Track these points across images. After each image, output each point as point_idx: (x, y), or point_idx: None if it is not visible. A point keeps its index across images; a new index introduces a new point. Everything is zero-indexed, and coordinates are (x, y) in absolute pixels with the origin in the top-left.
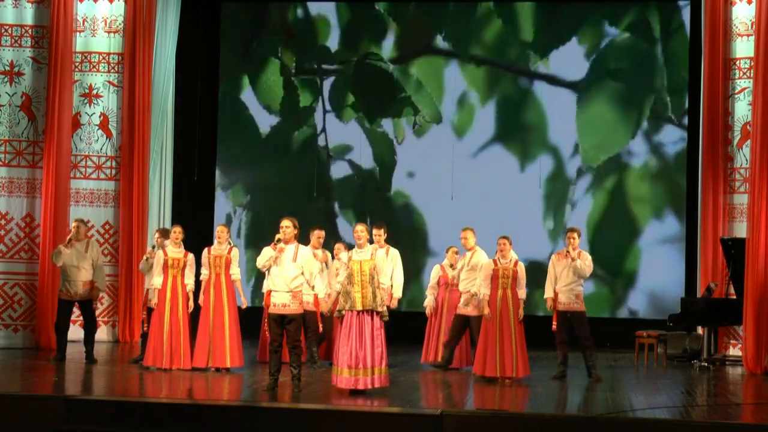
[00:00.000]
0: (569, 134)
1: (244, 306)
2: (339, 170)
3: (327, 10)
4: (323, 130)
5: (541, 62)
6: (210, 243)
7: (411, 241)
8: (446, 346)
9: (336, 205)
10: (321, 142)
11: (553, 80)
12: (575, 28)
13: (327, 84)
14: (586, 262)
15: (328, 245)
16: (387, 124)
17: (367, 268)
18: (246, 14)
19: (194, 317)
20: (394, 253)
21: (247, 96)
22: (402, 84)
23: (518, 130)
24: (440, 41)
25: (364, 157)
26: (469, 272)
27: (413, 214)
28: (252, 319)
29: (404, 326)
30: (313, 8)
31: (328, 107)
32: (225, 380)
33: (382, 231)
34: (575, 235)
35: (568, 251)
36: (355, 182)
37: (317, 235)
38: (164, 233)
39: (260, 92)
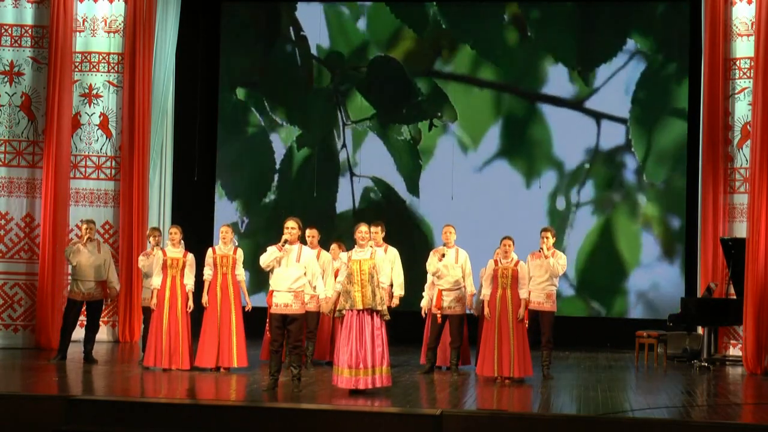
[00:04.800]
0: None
1: (248, 308)
2: (356, 178)
3: (330, 11)
4: (339, 137)
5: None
6: (210, 243)
7: (414, 242)
8: (430, 348)
9: (343, 209)
10: (336, 150)
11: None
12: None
13: (334, 88)
14: (560, 261)
15: (326, 245)
16: (405, 131)
17: (367, 268)
18: (246, 14)
19: (196, 317)
20: (393, 251)
21: (248, 98)
22: (418, 88)
23: (524, 145)
24: (455, 50)
25: (382, 165)
26: (458, 269)
27: (417, 215)
28: (257, 319)
29: (404, 326)
30: (316, 9)
31: (342, 115)
32: (225, 380)
33: (379, 229)
34: (549, 234)
35: (541, 249)
36: (373, 190)
37: (308, 234)
38: (159, 231)
39: (263, 94)
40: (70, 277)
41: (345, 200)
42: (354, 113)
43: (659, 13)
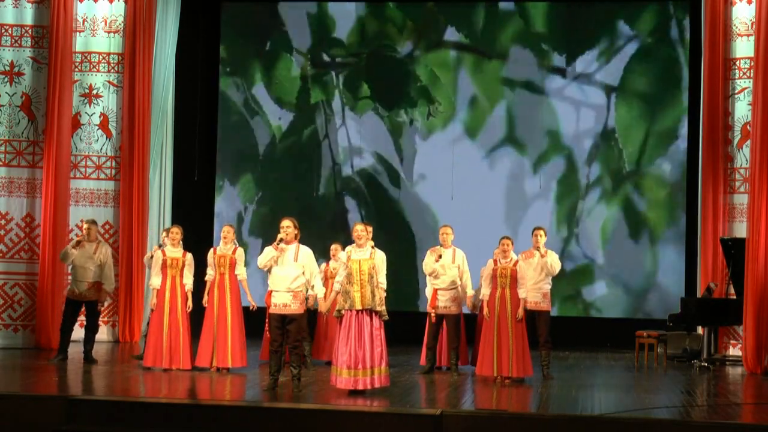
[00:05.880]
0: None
1: (253, 308)
2: (347, 168)
3: (333, 5)
4: (333, 129)
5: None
6: (210, 243)
7: (401, 233)
8: (429, 348)
9: (345, 203)
10: (325, 142)
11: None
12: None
13: (334, 80)
14: (555, 260)
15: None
16: (402, 117)
17: (366, 268)
18: (246, 14)
19: (198, 317)
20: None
21: (251, 95)
22: (416, 76)
23: (529, 132)
24: (453, 36)
25: (373, 156)
26: (455, 269)
27: (418, 213)
28: (257, 319)
29: (404, 326)
30: (315, 5)
31: (337, 103)
32: (225, 380)
33: (369, 229)
34: (541, 232)
35: (538, 248)
36: (365, 179)
37: None
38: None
39: (261, 91)
40: (70, 277)
41: (337, 192)
42: (350, 104)
43: (648, 9)
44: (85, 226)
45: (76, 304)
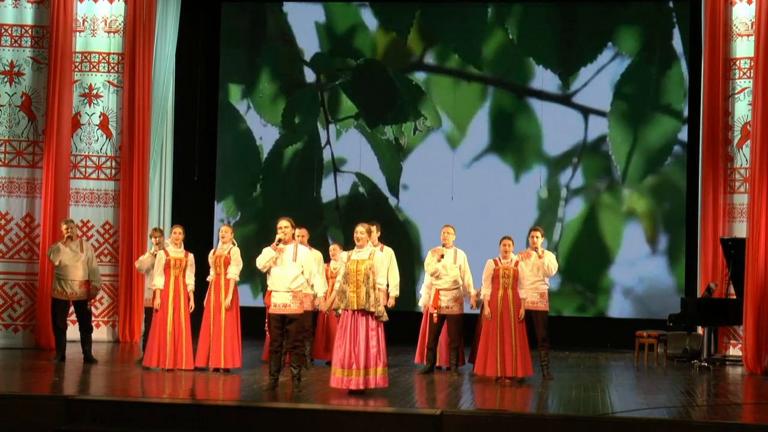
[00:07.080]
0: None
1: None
2: (341, 177)
3: (322, 14)
4: (325, 137)
5: (543, 78)
6: (210, 243)
7: (409, 244)
8: (429, 348)
9: (337, 213)
10: (321, 150)
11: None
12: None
13: (326, 92)
14: (552, 261)
15: (322, 246)
16: (389, 131)
17: (363, 268)
18: (246, 15)
19: (196, 317)
20: (389, 251)
21: (244, 102)
22: (402, 90)
23: (512, 141)
24: (439, 49)
25: (366, 164)
26: (456, 269)
27: (413, 217)
28: (257, 319)
29: (404, 326)
30: (309, 13)
31: (327, 115)
32: (225, 380)
33: (374, 228)
34: (538, 233)
35: (535, 249)
36: (357, 190)
37: (297, 234)
38: (161, 232)
39: (256, 98)
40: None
41: (330, 197)
42: (341, 115)
43: (641, 12)
44: (64, 226)
45: (64, 303)
